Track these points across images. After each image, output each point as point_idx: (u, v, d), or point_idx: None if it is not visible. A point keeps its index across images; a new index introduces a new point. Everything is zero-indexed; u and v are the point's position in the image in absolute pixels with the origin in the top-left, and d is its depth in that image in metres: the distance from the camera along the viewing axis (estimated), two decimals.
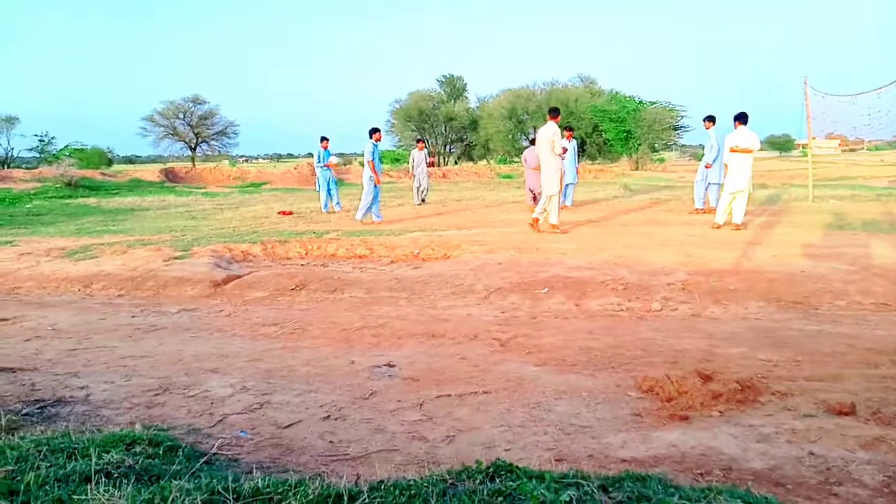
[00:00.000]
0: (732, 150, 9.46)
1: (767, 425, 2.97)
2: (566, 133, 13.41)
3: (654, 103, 39.43)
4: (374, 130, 11.77)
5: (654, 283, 6.05)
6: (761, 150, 11.17)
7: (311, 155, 15.45)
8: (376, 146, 11.76)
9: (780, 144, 79.68)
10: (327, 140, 14.32)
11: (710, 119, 11.80)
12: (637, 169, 36.60)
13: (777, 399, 3.31)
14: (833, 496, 2.34)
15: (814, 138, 14.28)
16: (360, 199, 12.08)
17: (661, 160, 43.02)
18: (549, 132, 9.49)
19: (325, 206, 14.02)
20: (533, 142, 14.60)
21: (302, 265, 8.08)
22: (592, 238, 8.97)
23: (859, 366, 3.86)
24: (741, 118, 9.54)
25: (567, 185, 13.05)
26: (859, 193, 15.44)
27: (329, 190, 14.06)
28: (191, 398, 3.54)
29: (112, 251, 8.38)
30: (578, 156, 16.21)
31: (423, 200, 15.27)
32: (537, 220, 9.68)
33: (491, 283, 6.32)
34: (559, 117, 9.81)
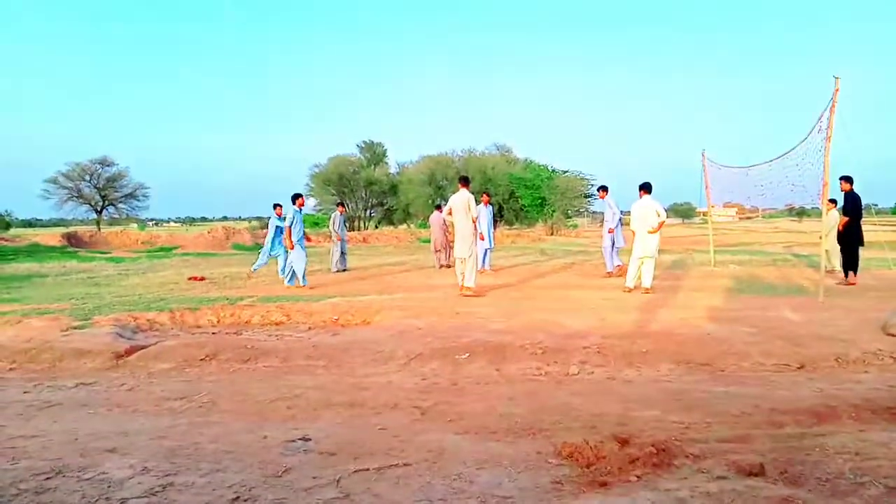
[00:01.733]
0: (650, 233, 9.87)
1: (683, 489, 3.01)
2: (483, 198, 13.85)
3: (565, 172, 41.32)
4: (297, 196, 11.56)
5: (570, 346, 6.17)
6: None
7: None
8: (298, 212, 11.49)
9: (683, 212, 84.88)
10: (281, 206, 12.68)
11: (604, 189, 12.73)
12: (552, 234, 38.00)
13: (690, 462, 3.38)
14: None
15: (713, 206, 15.30)
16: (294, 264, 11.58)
17: (575, 225, 44.90)
18: (464, 198, 9.81)
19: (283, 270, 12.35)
20: (438, 208, 14.97)
21: (213, 333, 7.73)
22: (510, 302, 9.11)
23: (765, 426, 4.02)
24: (645, 187, 10.10)
25: (485, 249, 13.34)
26: (757, 259, 16.55)
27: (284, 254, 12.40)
28: (85, 482, 3.25)
29: (4, 321, 7.74)
30: (496, 221, 16.70)
31: (344, 269, 14.89)
32: (462, 287, 9.79)
33: (412, 349, 6.25)
34: (469, 185, 10.30)
